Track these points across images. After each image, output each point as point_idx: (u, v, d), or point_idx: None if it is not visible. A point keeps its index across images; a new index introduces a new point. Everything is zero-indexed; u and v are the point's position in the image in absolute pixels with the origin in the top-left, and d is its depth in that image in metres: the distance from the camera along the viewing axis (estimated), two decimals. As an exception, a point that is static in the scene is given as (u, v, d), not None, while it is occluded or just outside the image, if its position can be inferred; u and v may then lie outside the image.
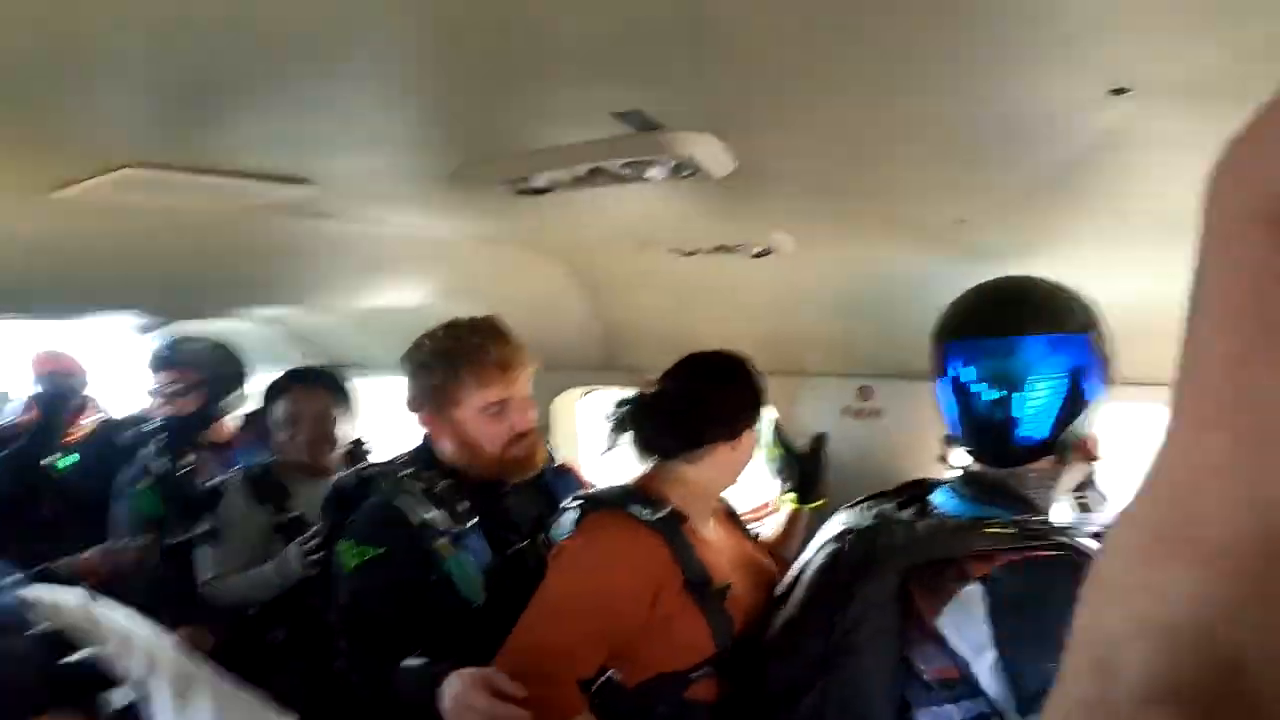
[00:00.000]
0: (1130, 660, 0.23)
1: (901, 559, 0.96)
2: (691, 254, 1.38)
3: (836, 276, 1.45)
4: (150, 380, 2.02)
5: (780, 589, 1.20)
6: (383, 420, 2.25)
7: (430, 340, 1.33)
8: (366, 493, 1.32)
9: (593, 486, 1.50)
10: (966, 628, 0.88)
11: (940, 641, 0.91)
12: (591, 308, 1.87)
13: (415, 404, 1.33)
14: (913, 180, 0.97)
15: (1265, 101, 0.22)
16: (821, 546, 1.12)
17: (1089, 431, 1.06)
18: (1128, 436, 1.48)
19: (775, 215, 1.18)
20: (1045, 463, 1.06)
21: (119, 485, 2.01)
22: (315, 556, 1.48)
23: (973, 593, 0.89)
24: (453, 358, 1.29)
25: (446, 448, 1.33)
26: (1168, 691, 0.23)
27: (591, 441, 2.16)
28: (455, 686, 1.01)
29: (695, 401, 1.23)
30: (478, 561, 1.25)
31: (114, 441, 2.21)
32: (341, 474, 1.45)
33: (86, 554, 1.80)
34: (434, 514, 1.23)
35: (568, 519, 1.22)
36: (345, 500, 1.37)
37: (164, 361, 1.99)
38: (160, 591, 1.71)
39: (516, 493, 1.39)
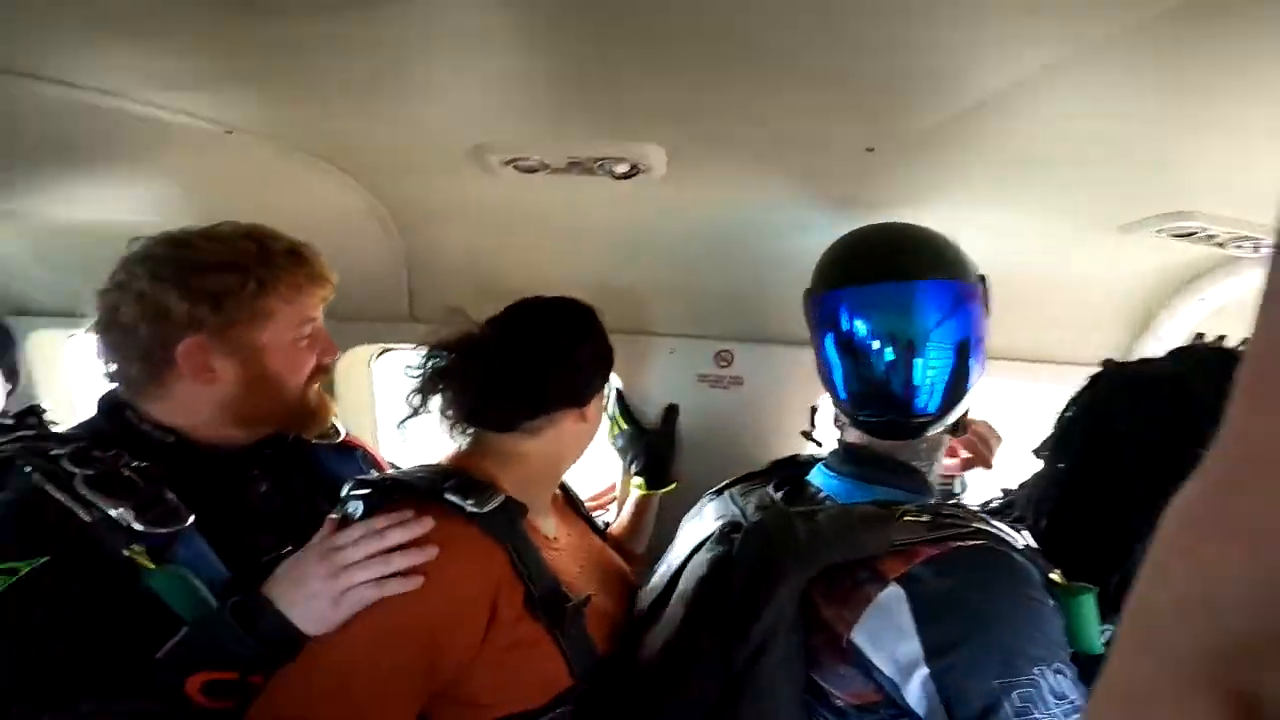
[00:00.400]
0: (1177, 639, 0.25)
1: (809, 561, 0.74)
2: (534, 170, 1.06)
3: (705, 210, 1.22)
4: None
5: (644, 600, 0.95)
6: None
7: (201, 240, 0.92)
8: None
9: (390, 470, 1.16)
10: (891, 641, 0.70)
11: (856, 660, 0.72)
12: (396, 243, 1.47)
13: (173, 329, 0.88)
14: (824, 85, 0.76)
15: None
16: (698, 547, 0.89)
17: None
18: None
19: (648, 117, 0.91)
20: (937, 431, 0.94)
21: None
22: None
23: (891, 597, 0.70)
24: (258, 261, 0.91)
25: (193, 401, 0.92)
26: (1212, 674, 0.23)
27: (390, 414, 1.77)
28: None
29: (538, 359, 0.94)
30: (206, 577, 0.83)
31: None
32: None
33: None
34: (119, 510, 0.81)
35: (352, 515, 0.86)
36: None
37: None
38: None
39: (274, 476, 1.01)
